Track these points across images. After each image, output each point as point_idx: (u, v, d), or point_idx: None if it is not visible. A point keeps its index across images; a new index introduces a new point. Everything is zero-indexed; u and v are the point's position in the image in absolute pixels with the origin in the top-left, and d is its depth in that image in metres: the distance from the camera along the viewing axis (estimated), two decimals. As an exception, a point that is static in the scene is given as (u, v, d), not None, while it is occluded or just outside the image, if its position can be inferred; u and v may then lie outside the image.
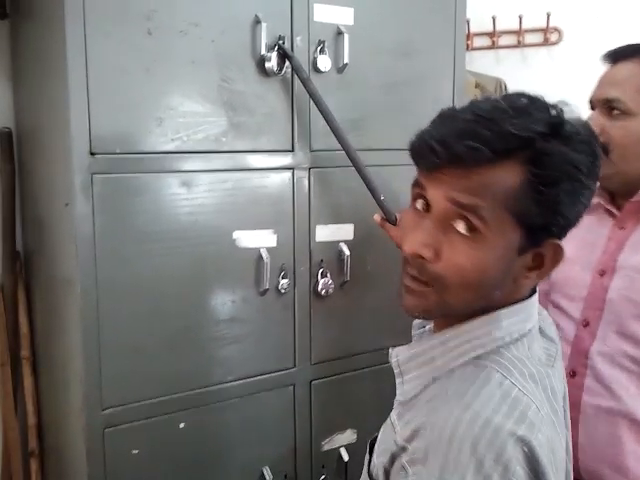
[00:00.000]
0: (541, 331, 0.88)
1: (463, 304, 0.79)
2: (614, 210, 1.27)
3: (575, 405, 1.19)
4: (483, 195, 0.73)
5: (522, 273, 0.79)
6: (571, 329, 1.28)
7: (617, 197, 1.28)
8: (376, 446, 0.88)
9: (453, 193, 0.74)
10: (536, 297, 0.85)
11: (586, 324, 1.26)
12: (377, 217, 1.45)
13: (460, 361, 0.79)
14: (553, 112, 0.75)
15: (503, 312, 0.80)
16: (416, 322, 0.97)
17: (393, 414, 0.86)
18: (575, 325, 1.28)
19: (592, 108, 1.28)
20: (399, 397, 0.85)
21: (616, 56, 1.25)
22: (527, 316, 0.82)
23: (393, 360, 0.87)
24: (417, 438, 0.75)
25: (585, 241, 1.26)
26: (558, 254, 0.78)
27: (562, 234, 0.79)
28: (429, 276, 0.78)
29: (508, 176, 0.72)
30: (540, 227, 0.75)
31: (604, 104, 1.23)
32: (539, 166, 0.72)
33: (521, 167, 0.72)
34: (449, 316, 0.83)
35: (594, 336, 1.24)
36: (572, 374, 1.25)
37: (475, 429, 0.70)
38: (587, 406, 1.24)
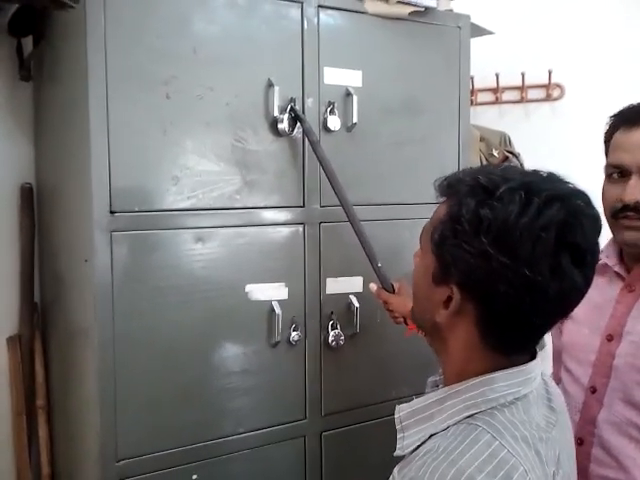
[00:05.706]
0: (548, 400, 0.90)
1: (418, 318, 0.92)
2: (622, 272, 1.25)
3: (582, 474, 1.16)
4: (431, 219, 0.87)
5: (438, 306, 0.84)
6: (580, 395, 1.25)
7: (628, 260, 1.25)
8: None
9: None
10: (535, 363, 0.87)
11: (594, 391, 1.23)
12: (373, 286, 1.51)
13: (455, 419, 0.82)
14: (493, 177, 0.80)
15: (498, 375, 0.83)
16: (430, 380, 1.00)
17: (395, 468, 0.88)
18: (583, 391, 1.25)
19: (621, 173, 1.17)
20: (398, 451, 0.88)
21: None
22: (524, 381, 0.84)
23: (396, 416, 0.90)
24: None
25: (595, 304, 1.22)
26: (454, 301, 0.82)
27: (466, 287, 0.80)
28: None
29: (441, 210, 0.84)
30: (443, 263, 0.82)
31: None
32: (451, 208, 0.81)
33: (446, 208, 0.82)
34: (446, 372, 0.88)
35: (601, 404, 1.22)
36: (580, 442, 1.22)
37: None
38: (594, 476, 1.21)
